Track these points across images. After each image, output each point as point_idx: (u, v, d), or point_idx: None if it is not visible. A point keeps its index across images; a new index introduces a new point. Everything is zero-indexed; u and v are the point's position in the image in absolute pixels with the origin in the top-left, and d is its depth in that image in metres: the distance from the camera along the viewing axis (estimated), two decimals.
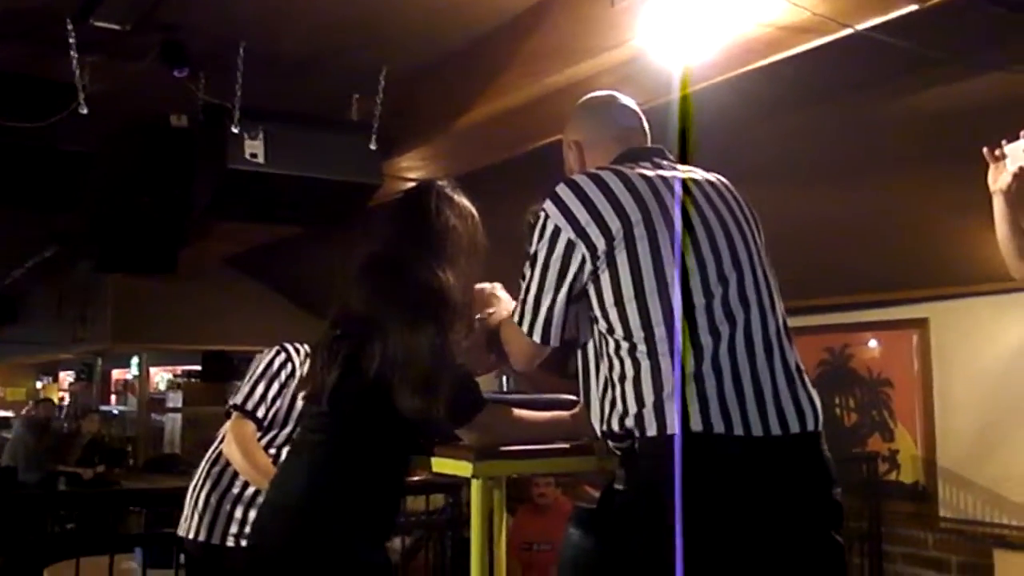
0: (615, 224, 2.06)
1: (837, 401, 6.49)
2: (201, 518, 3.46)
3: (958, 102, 4.06)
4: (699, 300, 2.02)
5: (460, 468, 2.25)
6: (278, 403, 3.47)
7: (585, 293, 2.12)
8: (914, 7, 3.17)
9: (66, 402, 15.12)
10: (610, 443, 2.12)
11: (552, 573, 4.98)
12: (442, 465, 2.34)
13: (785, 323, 2.15)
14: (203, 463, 3.56)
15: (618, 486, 2.07)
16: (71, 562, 4.36)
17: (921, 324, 6.05)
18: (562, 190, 2.15)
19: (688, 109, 3.54)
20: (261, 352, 3.59)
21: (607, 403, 2.09)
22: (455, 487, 5.13)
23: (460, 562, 5.03)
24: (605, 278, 2.07)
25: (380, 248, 2.49)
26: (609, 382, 2.09)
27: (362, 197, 5.43)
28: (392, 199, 2.62)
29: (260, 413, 3.41)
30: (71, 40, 4.28)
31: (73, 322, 11.27)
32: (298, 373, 3.48)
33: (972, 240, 5.13)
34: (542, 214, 2.16)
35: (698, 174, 2.25)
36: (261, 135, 4.84)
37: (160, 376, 14.14)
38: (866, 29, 3.31)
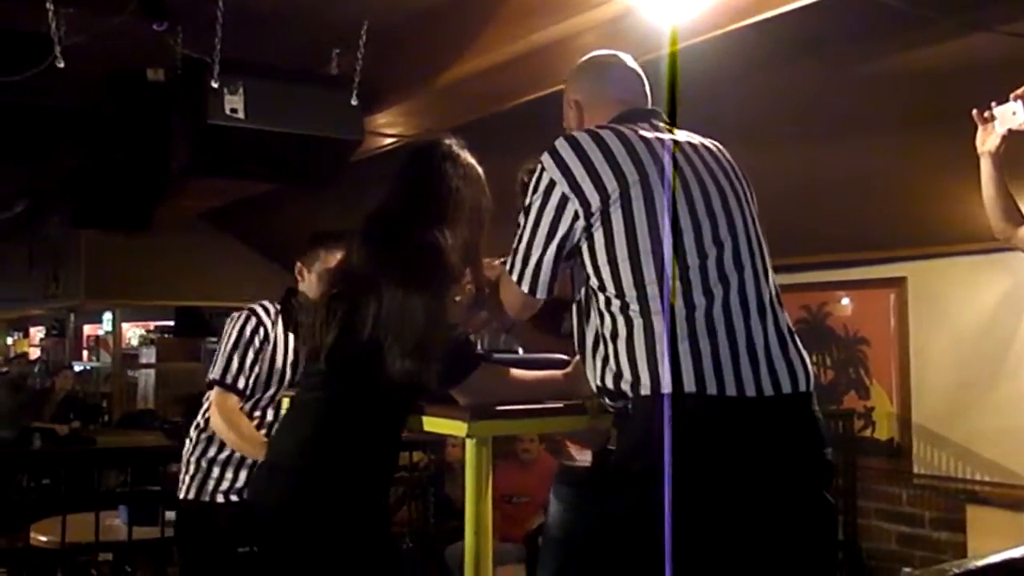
0: (611, 183, 2.05)
1: (814, 359, 6.51)
2: (192, 478, 3.51)
3: (942, 63, 4.06)
4: (693, 261, 2.02)
5: (455, 428, 2.26)
6: (256, 369, 3.47)
7: (578, 250, 2.12)
8: None
9: (37, 358, 15.03)
10: (605, 400, 2.13)
11: (531, 523, 5.04)
12: (436, 425, 2.35)
13: (777, 288, 2.16)
14: (192, 428, 3.58)
15: (611, 446, 2.09)
16: (54, 519, 4.35)
17: (899, 283, 6.09)
18: (560, 145, 2.15)
19: (675, 66, 3.53)
20: (231, 317, 3.56)
21: (599, 359, 2.10)
22: (438, 444, 5.16)
23: (443, 517, 5.07)
24: (599, 236, 2.06)
25: (381, 206, 2.47)
26: (602, 338, 2.10)
27: (343, 153, 5.39)
28: (400, 154, 2.59)
29: (240, 384, 3.42)
30: None
31: (45, 278, 11.18)
32: (271, 336, 3.48)
33: (951, 200, 5.16)
34: (539, 167, 2.16)
35: (695, 138, 2.25)
36: (241, 90, 4.78)
37: (133, 332, 14.07)
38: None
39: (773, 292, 2.13)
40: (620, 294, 2.03)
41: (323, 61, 5.11)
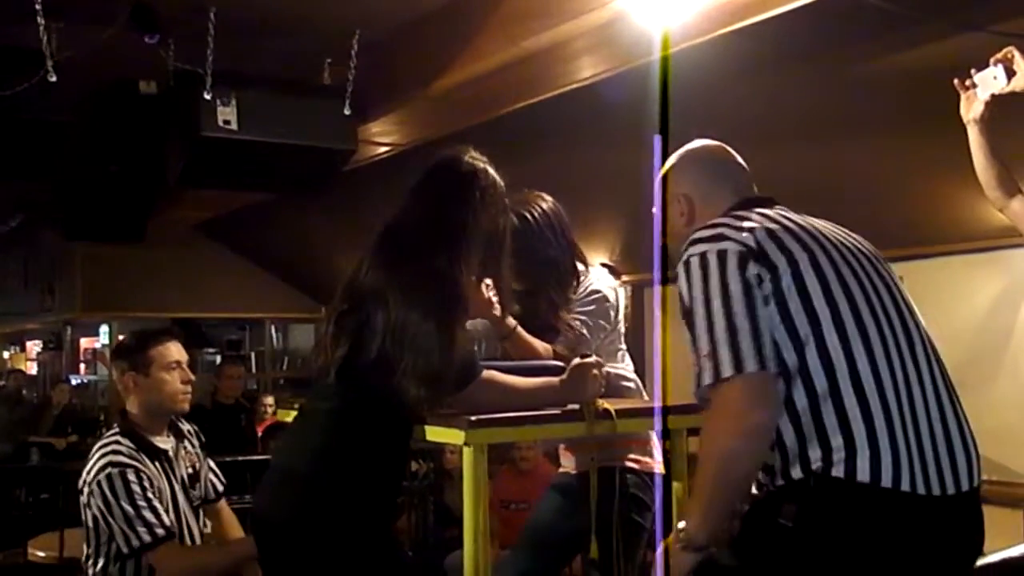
0: (781, 259, 1.93)
1: None
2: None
3: (934, 63, 4.07)
4: (875, 342, 1.91)
5: (452, 436, 2.26)
6: (165, 506, 3.15)
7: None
8: None
9: (34, 372, 14.99)
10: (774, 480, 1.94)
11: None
12: (434, 433, 2.34)
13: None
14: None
15: (784, 521, 1.86)
16: (53, 534, 4.34)
17: None
18: (720, 230, 1.99)
19: (667, 70, 3.53)
20: (108, 475, 3.05)
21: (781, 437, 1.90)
22: (435, 452, 5.16)
23: (442, 525, 5.07)
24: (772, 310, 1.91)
25: (395, 222, 2.41)
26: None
27: (336, 162, 5.40)
28: (429, 165, 2.50)
29: (172, 527, 3.10)
30: (38, 6, 4.20)
31: (41, 291, 11.17)
32: (150, 474, 3.12)
33: (945, 200, 5.17)
34: (699, 258, 1.96)
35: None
36: (233, 102, 4.79)
37: None
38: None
39: (945, 377, 2.03)
40: (803, 372, 1.88)
41: (315, 71, 5.12)
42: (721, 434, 1.85)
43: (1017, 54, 2.79)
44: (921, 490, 1.80)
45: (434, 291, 2.25)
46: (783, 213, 2.06)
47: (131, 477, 3.04)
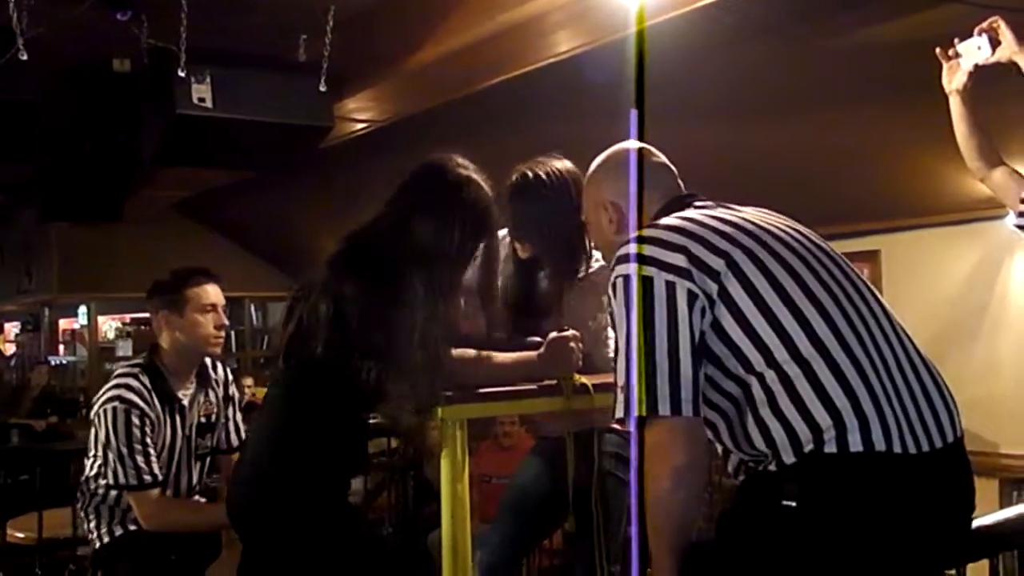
0: (717, 262, 1.92)
1: None
2: (100, 522, 3.30)
3: (915, 34, 4.07)
4: (837, 316, 1.92)
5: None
6: (156, 452, 3.17)
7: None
8: None
9: (12, 353, 14.91)
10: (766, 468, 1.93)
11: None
12: None
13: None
14: (82, 483, 3.35)
15: (788, 503, 1.85)
16: (32, 515, 4.32)
17: (872, 256, 6.12)
18: (649, 248, 1.95)
19: (643, 45, 3.52)
20: (105, 410, 3.15)
21: (764, 430, 1.89)
22: (414, 428, 5.14)
23: (422, 502, 5.06)
24: (726, 316, 1.90)
25: (370, 230, 2.38)
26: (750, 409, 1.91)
27: (313, 140, 5.37)
28: (411, 173, 2.43)
29: (159, 475, 3.15)
30: None
31: (17, 273, 11.09)
32: (154, 421, 3.16)
33: (922, 172, 5.19)
34: (624, 276, 1.94)
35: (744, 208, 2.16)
36: (208, 79, 4.77)
37: (109, 325, 13.96)
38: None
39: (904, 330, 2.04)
40: (771, 363, 1.88)
41: (290, 48, 5.07)
42: (653, 479, 1.86)
43: (1003, 24, 2.79)
44: (912, 449, 1.82)
45: (410, 322, 2.21)
46: (709, 213, 2.05)
47: (134, 419, 3.10)
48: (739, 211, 2.08)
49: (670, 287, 1.88)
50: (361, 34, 4.93)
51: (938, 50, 2.93)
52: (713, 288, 1.89)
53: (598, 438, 2.84)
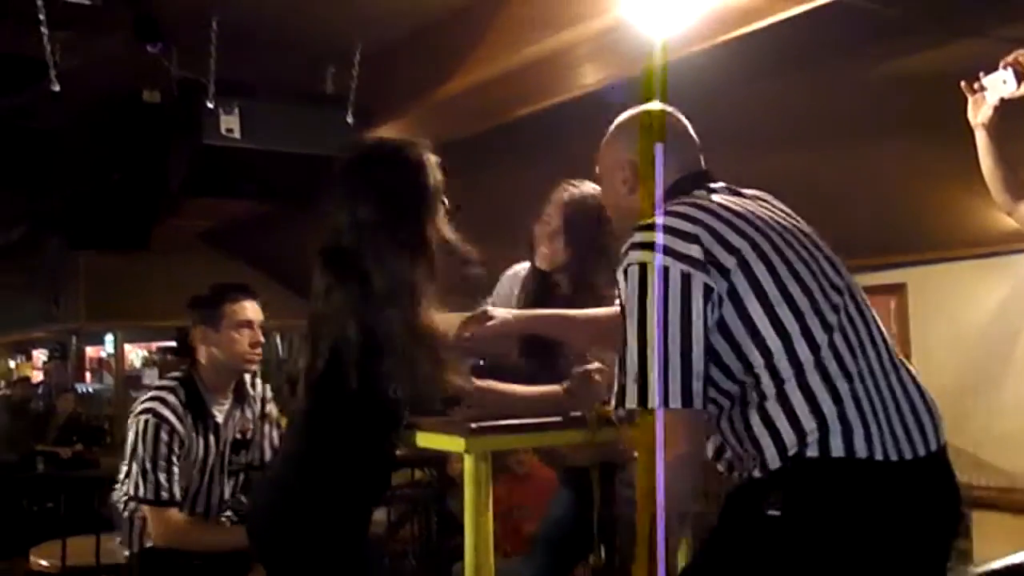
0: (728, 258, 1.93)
1: None
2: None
3: (937, 67, 4.06)
4: (831, 319, 1.94)
5: (453, 444, 2.26)
6: (179, 472, 3.19)
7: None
8: None
9: (40, 381, 15.01)
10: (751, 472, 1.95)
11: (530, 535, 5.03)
12: (435, 441, 2.34)
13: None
14: (120, 485, 3.42)
15: (773, 512, 1.87)
16: (55, 542, 4.33)
17: (899, 289, 6.08)
18: (664, 237, 1.94)
19: (667, 78, 3.52)
20: (136, 420, 3.23)
21: (750, 431, 1.92)
22: (438, 460, 5.14)
23: (445, 534, 5.04)
24: (732, 314, 1.90)
25: (337, 232, 2.42)
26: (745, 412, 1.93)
27: None
28: (363, 158, 2.46)
29: (177, 495, 3.17)
30: (41, 16, 4.20)
31: (45, 300, 11.17)
32: (185, 440, 3.19)
33: (950, 205, 5.15)
34: (647, 265, 1.92)
35: (759, 197, 2.18)
36: (236, 110, 4.79)
37: (135, 353, 14.05)
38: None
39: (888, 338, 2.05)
40: (768, 363, 1.89)
41: (318, 80, 5.13)
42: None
43: None
44: (894, 456, 1.84)
45: (391, 319, 2.24)
46: (722, 201, 2.05)
47: (163, 435, 3.13)
48: (748, 201, 2.09)
49: (685, 278, 1.87)
50: (388, 66, 4.97)
51: (963, 84, 2.93)
52: (724, 286, 1.89)
53: (623, 469, 2.84)
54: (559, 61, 4.15)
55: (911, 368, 2.03)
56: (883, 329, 2.04)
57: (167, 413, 3.17)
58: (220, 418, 3.28)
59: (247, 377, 3.37)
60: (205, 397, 3.25)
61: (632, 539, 2.79)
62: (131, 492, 3.17)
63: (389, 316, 2.23)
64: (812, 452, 1.81)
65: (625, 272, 1.94)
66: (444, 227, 2.41)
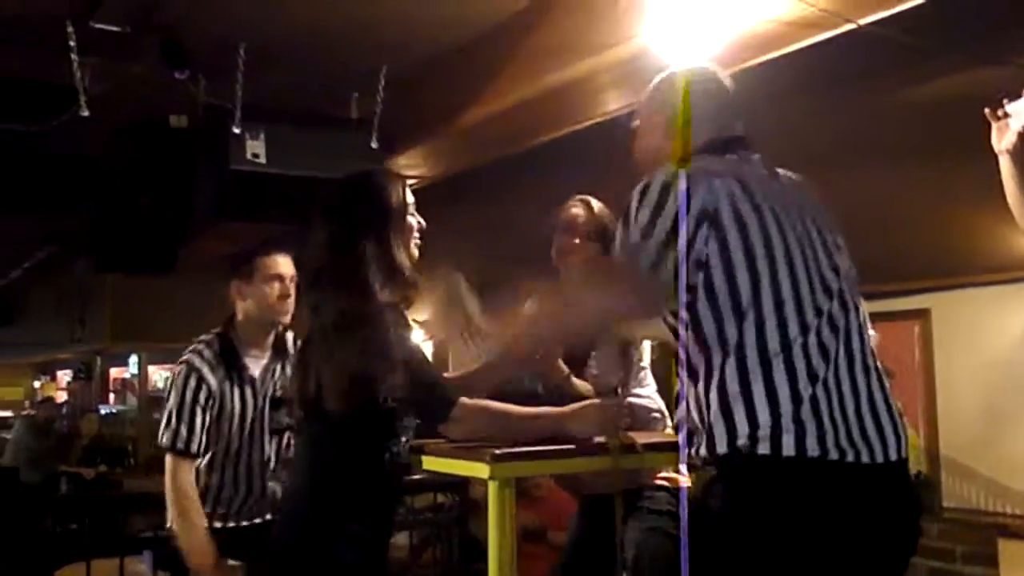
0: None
1: None
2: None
3: (958, 93, 4.07)
4: (811, 319, 1.94)
5: (477, 470, 2.26)
6: (207, 426, 3.24)
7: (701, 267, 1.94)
8: (919, 1, 3.18)
9: (64, 401, 15.11)
10: (699, 450, 1.98)
11: (550, 560, 5.02)
12: (458, 467, 2.35)
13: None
14: None
15: (714, 501, 1.93)
16: (80, 564, 4.36)
17: (923, 315, 6.04)
18: (687, 173, 1.97)
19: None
20: (173, 373, 3.33)
21: (709, 410, 1.94)
22: (461, 485, 5.15)
23: (468, 559, 5.05)
24: (718, 268, 1.92)
25: (321, 256, 2.50)
26: (712, 389, 1.94)
27: None
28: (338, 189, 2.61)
29: (193, 448, 3.20)
30: (71, 43, 4.27)
31: (71, 322, 11.26)
32: (214, 392, 3.24)
33: (974, 230, 5.14)
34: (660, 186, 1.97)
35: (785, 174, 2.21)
36: (262, 135, 4.85)
37: (159, 374, 14.13)
38: (869, 24, 3.31)
39: (869, 345, 2.06)
40: (740, 346, 1.91)
41: (343, 105, 5.17)
42: (591, 299, 2.07)
43: None
44: (850, 458, 1.84)
45: (358, 330, 2.32)
46: (748, 170, 2.07)
47: (191, 383, 3.19)
48: (775, 182, 2.13)
49: (692, 201, 1.92)
50: (412, 92, 5.01)
51: (987, 110, 2.93)
52: (717, 244, 1.92)
53: (646, 496, 2.84)
54: (582, 88, 4.17)
55: (885, 382, 2.02)
56: (866, 339, 2.04)
57: (199, 363, 3.25)
58: (256, 372, 3.31)
59: (289, 336, 3.42)
60: (239, 350, 3.30)
61: (654, 565, 2.81)
62: (158, 439, 3.24)
63: (364, 333, 2.30)
64: (763, 448, 1.83)
65: (640, 189, 2.00)
66: (406, 247, 2.53)
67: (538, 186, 5.49)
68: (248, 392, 3.31)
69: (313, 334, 2.45)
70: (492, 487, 2.23)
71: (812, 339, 1.91)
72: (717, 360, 1.92)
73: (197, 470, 3.26)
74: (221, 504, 3.32)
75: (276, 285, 3.31)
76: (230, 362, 3.28)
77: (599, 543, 3.03)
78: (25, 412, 12.70)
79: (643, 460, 2.42)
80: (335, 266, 2.43)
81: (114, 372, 15.54)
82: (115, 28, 4.20)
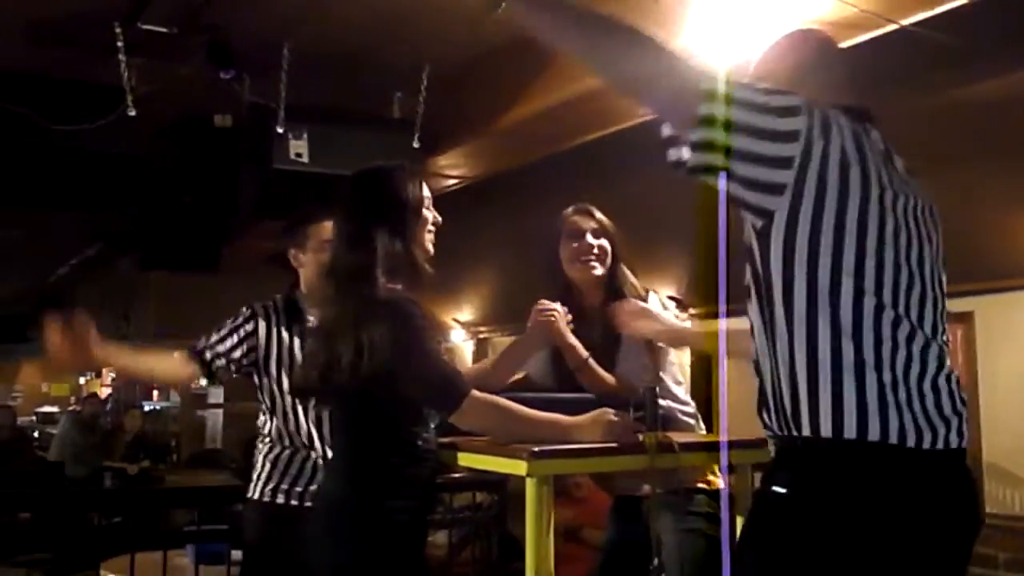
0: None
1: None
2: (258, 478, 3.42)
3: (1003, 95, 4.04)
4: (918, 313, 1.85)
5: (514, 467, 2.27)
6: (236, 355, 3.31)
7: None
8: (961, 1, 3.17)
9: (108, 396, 15.29)
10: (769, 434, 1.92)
11: (590, 560, 5.02)
12: (496, 464, 2.36)
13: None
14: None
15: (778, 488, 1.85)
16: (125, 557, 4.42)
17: (966, 319, 5.99)
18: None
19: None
20: None
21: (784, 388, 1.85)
22: (500, 483, 5.17)
23: (507, 558, 5.06)
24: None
25: (339, 250, 2.54)
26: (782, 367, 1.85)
27: None
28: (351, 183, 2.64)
29: (207, 355, 3.29)
30: (119, 43, 4.34)
31: (116, 318, 11.41)
32: (260, 329, 3.33)
33: (1018, 233, 5.09)
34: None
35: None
36: (305, 135, 4.89)
37: None
38: (911, 24, 3.30)
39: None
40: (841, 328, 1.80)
41: (385, 105, 5.21)
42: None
43: None
44: (910, 443, 1.77)
45: (385, 318, 2.34)
46: (862, 141, 1.90)
47: (243, 311, 3.34)
48: (890, 177, 1.93)
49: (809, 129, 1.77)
50: (454, 93, 5.04)
51: None
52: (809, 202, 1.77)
53: (685, 497, 2.84)
54: None
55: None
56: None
57: (258, 308, 3.36)
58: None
59: None
60: (302, 305, 3.36)
61: (691, 566, 2.80)
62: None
63: (384, 321, 2.33)
64: (826, 431, 1.76)
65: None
66: (421, 241, 2.54)
67: (578, 186, 5.50)
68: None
69: (329, 323, 2.47)
70: (530, 484, 2.25)
71: (900, 319, 1.82)
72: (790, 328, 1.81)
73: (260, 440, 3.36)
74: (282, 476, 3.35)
75: (328, 250, 3.38)
76: (291, 314, 3.36)
77: (636, 544, 3.03)
78: (71, 408, 12.87)
79: (679, 460, 2.41)
80: (350, 258, 2.46)
81: None
82: (162, 29, 4.26)
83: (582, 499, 5.46)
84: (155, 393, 15.04)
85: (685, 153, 1.82)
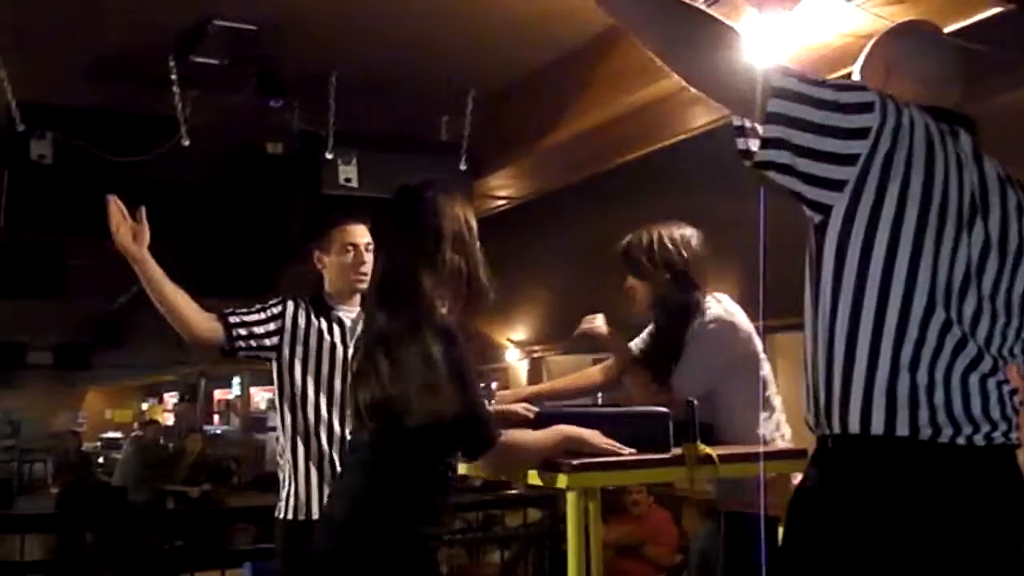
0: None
1: None
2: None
3: None
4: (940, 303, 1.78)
5: (555, 480, 2.32)
6: (256, 329, 3.34)
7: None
8: (998, 9, 3.17)
9: (171, 422, 15.52)
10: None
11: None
12: (535, 477, 2.40)
13: None
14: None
15: (806, 485, 1.85)
16: None
17: None
18: None
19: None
20: None
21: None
22: (551, 500, 5.20)
23: (559, 574, 5.08)
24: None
25: (383, 271, 2.55)
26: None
27: None
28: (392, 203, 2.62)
29: (232, 319, 3.33)
30: (173, 76, 4.46)
31: (175, 345, 11.56)
32: (286, 316, 3.38)
33: None
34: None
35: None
36: (354, 160, 4.98)
37: (260, 395, 14.44)
38: (946, 35, 3.29)
39: None
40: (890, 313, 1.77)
41: (432, 128, 5.29)
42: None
43: None
44: (944, 439, 1.72)
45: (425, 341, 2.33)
46: (934, 145, 1.82)
47: (271, 299, 3.38)
48: (960, 184, 1.85)
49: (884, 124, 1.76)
50: (499, 114, 5.11)
51: None
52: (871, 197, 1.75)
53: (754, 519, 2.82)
54: (662, 107, 4.21)
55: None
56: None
57: (289, 300, 3.41)
58: (347, 321, 3.42)
59: None
60: (330, 303, 3.42)
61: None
62: None
63: (422, 345, 2.33)
64: (853, 428, 1.74)
65: None
66: (472, 258, 2.52)
67: (624, 203, 5.53)
68: (337, 330, 3.41)
69: (375, 344, 2.43)
70: (571, 498, 2.28)
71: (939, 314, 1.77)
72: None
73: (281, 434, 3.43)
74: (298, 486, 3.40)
75: (351, 253, 3.42)
76: (319, 310, 3.42)
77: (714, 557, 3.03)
78: (134, 433, 13.08)
79: (717, 471, 2.44)
80: (396, 279, 2.46)
81: (218, 394, 15.91)
82: (214, 61, 4.36)
83: (640, 516, 5.48)
84: (216, 417, 15.25)
85: (753, 145, 1.85)
